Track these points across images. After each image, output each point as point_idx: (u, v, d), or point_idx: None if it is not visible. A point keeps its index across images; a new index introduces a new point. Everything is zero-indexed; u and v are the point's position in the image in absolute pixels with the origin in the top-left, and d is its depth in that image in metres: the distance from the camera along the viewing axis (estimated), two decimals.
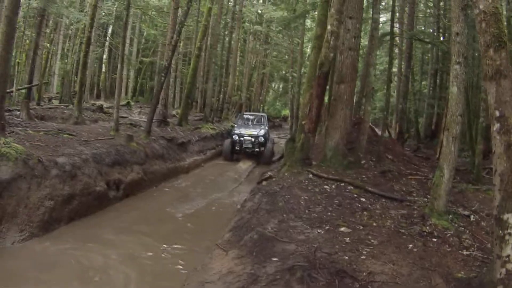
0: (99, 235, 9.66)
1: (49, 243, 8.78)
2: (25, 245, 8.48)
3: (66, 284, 7.24)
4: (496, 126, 4.69)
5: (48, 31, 30.81)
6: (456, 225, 7.50)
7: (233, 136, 22.54)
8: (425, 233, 7.08)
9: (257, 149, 22.02)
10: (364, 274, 5.44)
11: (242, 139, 22.15)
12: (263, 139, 22.23)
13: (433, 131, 29.16)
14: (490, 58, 4.83)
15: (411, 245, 6.52)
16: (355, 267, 5.64)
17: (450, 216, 7.73)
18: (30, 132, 12.68)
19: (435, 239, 6.81)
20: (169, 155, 17.04)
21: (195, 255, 8.69)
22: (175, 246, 9.43)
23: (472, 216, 8.13)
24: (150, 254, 8.84)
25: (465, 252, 6.33)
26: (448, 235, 7.00)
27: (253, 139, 22.06)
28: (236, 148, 22.31)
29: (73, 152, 11.47)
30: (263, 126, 24.20)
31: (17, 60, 24.77)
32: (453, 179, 8.29)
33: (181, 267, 8.26)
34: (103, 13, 37.48)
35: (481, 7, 4.98)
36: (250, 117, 26.52)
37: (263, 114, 28.90)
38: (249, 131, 22.56)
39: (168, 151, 17.23)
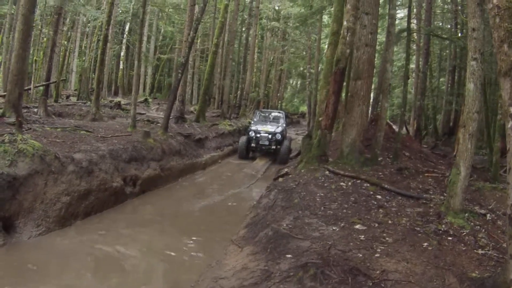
0: (116, 230, 9.81)
1: (65, 238, 8.91)
2: (42, 240, 8.59)
3: (84, 276, 7.34)
4: (510, 123, 4.63)
5: (65, 29, 31.17)
6: (472, 223, 7.43)
7: (249, 133, 21.76)
8: (440, 231, 7.02)
9: (274, 147, 21.25)
10: (378, 272, 5.42)
11: (258, 135, 21.35)
12: (280, 136, 21.39)
13: (451, 128, 28.93)
14: (504, 54, 4.76)
15: (426, 244, 6.47)
16: (369, 265, 5.62)
17: (466, 214, 7.66)
18: (48, 128, 12.83)
19: (450, 238, 6.75)
20: (186, 151, 17.10)
21: (211, 249, 8.77)
22: (192, 240, 9.53)
23: (488, 215, 8.04)
24: (168, 248, 8.94)
25: (480, 252, 6.27)
26: (464, 233, 6.94)
27: (269, 136, 21.27)
28: (252, 145, 21.52)
29: (90, 148, 11.58)
30: (280, 124, 23.26)
31: (34, 58, 25.05)
32: (470, 177, 8.23)
33: (198, 260, 8.32)
34: (120, 11, 37.89)
35: (494, 1, 4.91)
36: (268, 114, 25.57)
37: (281, 111, 27.55)
38: (266, 128, 21.81)
39: (185, 147, 17.29)
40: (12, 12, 27.85)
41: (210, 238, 9.77)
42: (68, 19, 32.80)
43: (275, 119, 24.22)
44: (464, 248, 6.36)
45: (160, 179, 14.07)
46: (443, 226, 7.23)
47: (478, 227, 7.35)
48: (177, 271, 8.02)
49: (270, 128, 21.93)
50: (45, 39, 28.56)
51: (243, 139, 21.93)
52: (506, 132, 4.74)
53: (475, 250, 6.32)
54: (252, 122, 24.14)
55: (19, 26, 12.91)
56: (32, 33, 13.78)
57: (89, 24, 40.51)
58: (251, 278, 5.70)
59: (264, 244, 6.90)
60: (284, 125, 23.66)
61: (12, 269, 7.20)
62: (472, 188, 9.91)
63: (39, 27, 28.13)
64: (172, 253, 8.75)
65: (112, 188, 11.31)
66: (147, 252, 8.69)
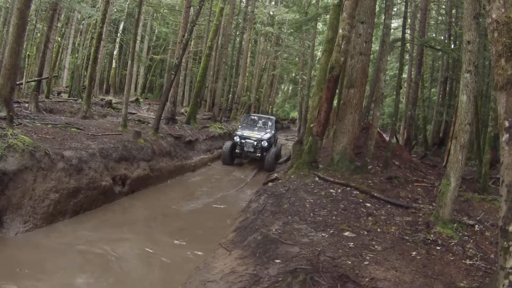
0: (104, 229, 9.77)
1: (53, 235, 8.85)
2: (29, 236, 8.55)
3: (71, 274, 7.31)
4: (505, 137, 4.66)
5: (59, 25, 30.98)
6: (461, 234, 7.47)
7: (234, 138, 20.54)
8: (429, 240, 7.06)
9: (259, 154, 20.03)
10: (367, 279, 5.43)
11: (243, 141, 20.15)
12: (266, 143, 20.09)
13: (441, 139, 29.08)
14: (501, 68, 4.80)
15: (414, 252, 6.50)
16: (358, 272, 5.63)
17: (455, 224, 7.70)
18: (38, 124, 12.76)
19: (439, 247, 6.79)
20: (176, 152, 17.07)
21: (199, 251, 8.79)
22: (180, 241, 9.56)
23: (476, 226, 8.09)
24: (156, 248, 8.92)
25: (468, 262, 6.31)
26: (452, 243, 6.98)
27: (255, 143, 20.01)
28: (237, 151, 20.31)
29: (80, 146, 11.53)
30: (269, 130, 22.05)
31: (27, 53, 24.97)
32: (459, 187, 8.26)
33: (185, 262, 8.30)
34: (115, 9, 37.76)
35: (493, 16, 4.95)
36: (256, 118, 23.91)
37: (271, 116, 25.80)
38: (252, 134, 20.63)
39: (175, 148, 17.26)
40: (7, 5, 27.72)
41: (199, 240, 9.77)
42: (63, 16, 32.57)
43: (264, 125, 22.93)
44: (452, 258, 6.40)
45: (149, 180, 14.03)
46: (432, 235, 7.28)
47: (467, 237, 7.40)
48: (165, 272, 8.00)
49: (257, 134, 20.75)
50: (39, 34, 28.50)
51: (227, 144, 20.53)
52: (501, 145, 4.77)
53: (463, 260, 6.36)
54: (239, 126, 23.06)
55: (14, 21, 12.84)
56: (26, 28, 13.70)
57: (83, 22, 40.40)
58: (240, 282, 5.69)
59: (253, 248, 6.89)
60: (273, 131, 22.44)
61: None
62: (461, 199, 9.96)
63: (34, 22, 28.04)
64: (160, 254, 8.73)
65: (101, 186, 11.26)
66: (135, 253, 8.67)
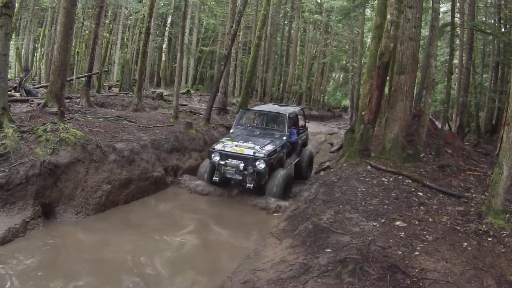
0: (155, 215, 10.20)
1: (105, 223, 9.22)
2: (81, 223, 8.97)
3: (125, 257, 7.64)
4: None
5: (107, 21, 31.57)
6: None
7: (212, 155, 12.07)
8: (480, 231, 6.93)
9: (251, 184, 11.59)
10: (416, 270, 5.42)
11: (222, 163, 11.85)
12: (263, 165, 11.54)
13: (493, 126, 28.33)
14: None
15: (465, 243, 6.41)
16: (408, 263, 5.62)
17: (507, 215, 7.51)
18: (90, 118, 13.15)
19: (490, 239, 6.66)
20: None
21: (250, 238, 9.01)
22: (230, 228, 9.82)
23: None
24: (208, 234, 9.33)
25: None
26: (504, 235, 6.83)
27: (242, 165, 11.60)
28: (215, 178, 11.90)
29: (132, 138, 11.87)
30: (278, 135, 13.34)
31: (77, 50, 25.47)
32: None
33: (237, 249, 8.51)
34: (162, 3, 38.28)
35: None
36: (258, 117, 15.26)
37: (283, 111, 14.10)
38: (240, 148, 11.97)
39: None
40: (54, 5, 28.40)
41: (249, 227, 9.97)
42: (110, 12, 33.29)
43: (271, 124, 14.27)
44: (503, 250, 6.27)
45: None
46: (484, 226, 7.14)
47: None
48: (216, 258, 8.21)
49: (248, 148, 11.97)
50: (87, 31, 29.11)
51: (205, 164, 12.73)
52: None
53: None
54: (231, 131, 14.18)
55: (61, 19, 13.26)
56: (74, 26, 14.10)
57: (131, 17, 41.11)
58: (290, 271, 5.76)
59: (304, 237, 6.96)
60: (285, 137, 13.24)
61: (49, 253, 7.55)
62: None
63: (81, 20, 28.65)
64: (212, 240, 9.03)
65: (153, 177, 11.59)
66: (187, 239, 8.98)
